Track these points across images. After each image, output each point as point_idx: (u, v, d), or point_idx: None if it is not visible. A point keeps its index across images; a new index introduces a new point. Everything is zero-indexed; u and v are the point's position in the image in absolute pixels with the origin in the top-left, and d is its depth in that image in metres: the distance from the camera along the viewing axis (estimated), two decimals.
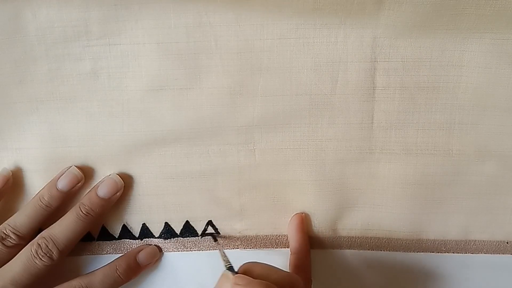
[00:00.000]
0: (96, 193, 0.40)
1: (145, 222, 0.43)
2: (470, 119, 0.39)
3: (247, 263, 0.36)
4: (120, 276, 0.41)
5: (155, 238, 0.43)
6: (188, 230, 0.43)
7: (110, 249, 0.43)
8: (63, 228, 0.39)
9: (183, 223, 0.43)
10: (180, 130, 0.40)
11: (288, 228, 0.42)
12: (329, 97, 0.39)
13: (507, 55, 0.38)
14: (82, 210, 0.40)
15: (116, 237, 0.43)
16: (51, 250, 0.38)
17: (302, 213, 0.42)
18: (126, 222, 0.43)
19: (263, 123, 0.40)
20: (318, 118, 0.40)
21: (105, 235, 0.43)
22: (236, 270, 0.36)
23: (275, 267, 0.35)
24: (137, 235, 0.43)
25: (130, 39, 0.39)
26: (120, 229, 0.43)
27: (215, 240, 0.43)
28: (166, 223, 0.43)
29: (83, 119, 0.40)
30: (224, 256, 0.39)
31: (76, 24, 0.38)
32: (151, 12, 0.38)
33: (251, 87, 0.39)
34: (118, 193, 0.41)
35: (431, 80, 0.39)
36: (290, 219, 0.42)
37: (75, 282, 0.39)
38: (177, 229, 0.43)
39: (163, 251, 0.44)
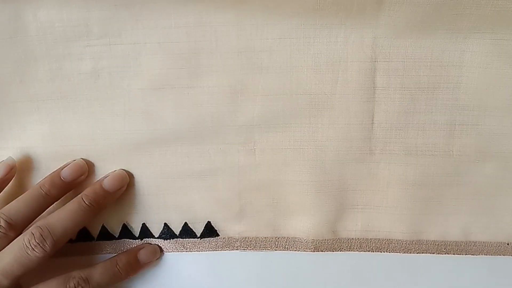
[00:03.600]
0: (102, 185, 0.40)
1: (145, 222, 0.43)
2: (470, 119, 0.39)
3: None
4: (120, 271, 0.41)
5: (155, 238, 0.43)
6: (186, 231, 0.43)
7: (110, 249, 0.43)
8: (62, 217, 0.38)
9: (182, 225, 0.43)
10: (180, 129, 0.40)
11: None
12: (329, 97, 0.39)
13: (507, 55, 0.37)
14: (85, 200, 0.39)
15: (116, 236, 0.43)
16: (44, 240, 0.37)
17: None
18: (126, 222, 0.43)
19: (263, 123, 0.40)
20: (318, 118, 0.40)
21: (105, 235, 0.43)
22: None
23: None
24: (137, 235, 0.43)
25: (130, 38, 0.39)
26: (120, 228, 0.43)
27: None
28: (165, 224, 0.43)
29: (84, 119, 0.41)
30: None
31: (77, 24, 0.39)
32: (152, 12, 0.38)
33: (251, 86, 0.39)
34: (122, 188, 0.41)
35: (432, 80, 0.39)
36: None
37: (74, 273, 0.39)
38: (176, 230, 0.43)
39: (163, 251, 0.44)
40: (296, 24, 0.38)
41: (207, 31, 0.38)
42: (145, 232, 0.43)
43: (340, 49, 0.38)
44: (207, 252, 0.43)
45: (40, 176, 0.41)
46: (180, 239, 0.43)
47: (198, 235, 0.43)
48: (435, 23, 0.37)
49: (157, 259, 0.43)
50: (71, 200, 0.40)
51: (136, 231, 0.43)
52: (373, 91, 0.39)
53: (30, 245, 0.37)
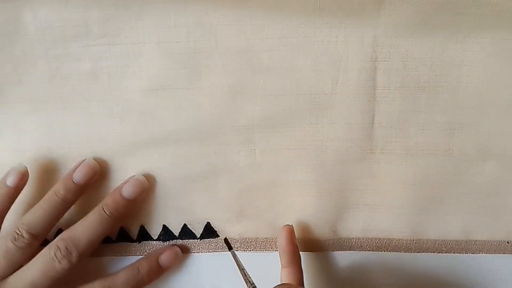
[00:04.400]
0: (121, 193, 0.40)
1: (143, 224, 0.43)
2: (470, 119, 0.39)
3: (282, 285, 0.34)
4: (142, 277, 0.40)
5: (154, 240, 0.43)
6: (186, 233, 0.43)
7: (108, 252, 0.43)
8: (85, 229, 0.38)
9: (181, 226, 0.43)
10: (180, 130, 0.40)
11: (278, 241, 0.41)
12: (329, 96, 0.39)
13: (508, 55, 0.38)
14: (106, 210, 0.39)
15: (114, 239, 0.43)
16: (70, 253, 0.37)
17: (290, 225, 0.42)
18: (124, 225, 0.43)
19: (264, 123, 0.40)
20: (319, 118, 0.40)
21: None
22: None
23: None
24: (135, 238, 0.43)
25: (130, 38, 0.39)
26: (118, 232, 0.43)
27: (230, 248, 0.41)
28: (164, 226, 0.43)
29: (82, 120, 0.40)
30: (245, 275, 0.38)
31: (76, 24, 0.38)
32: (151, 12, 0.38)
33: (251, 86, 0.39)
34: (143, 193, 0.41)
35: (432, 80, 0.39)
36: (279, 232, 0.41)
37: (97, 284, 0.39)
38: (176, 231, 0.43)
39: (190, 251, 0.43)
40: (296, 24, 0.38)
41: (207, 31, 0.38)
42: (144, 234, 0.43)
43: (341, 48, 0.38)
44: (207, 253, 0.43)
45: (38, 177, 0.41)
46: (180, 240, 0.43)
47: (198, 236, 0.43)
48: (436, 22, 0.37)
49: (180, 261, 0.43)
50: (92, 211, 0.39)
51: (134, 233, 0.43)
52: (374, 90, 0.39)
53: (57, 258, 0.37)
